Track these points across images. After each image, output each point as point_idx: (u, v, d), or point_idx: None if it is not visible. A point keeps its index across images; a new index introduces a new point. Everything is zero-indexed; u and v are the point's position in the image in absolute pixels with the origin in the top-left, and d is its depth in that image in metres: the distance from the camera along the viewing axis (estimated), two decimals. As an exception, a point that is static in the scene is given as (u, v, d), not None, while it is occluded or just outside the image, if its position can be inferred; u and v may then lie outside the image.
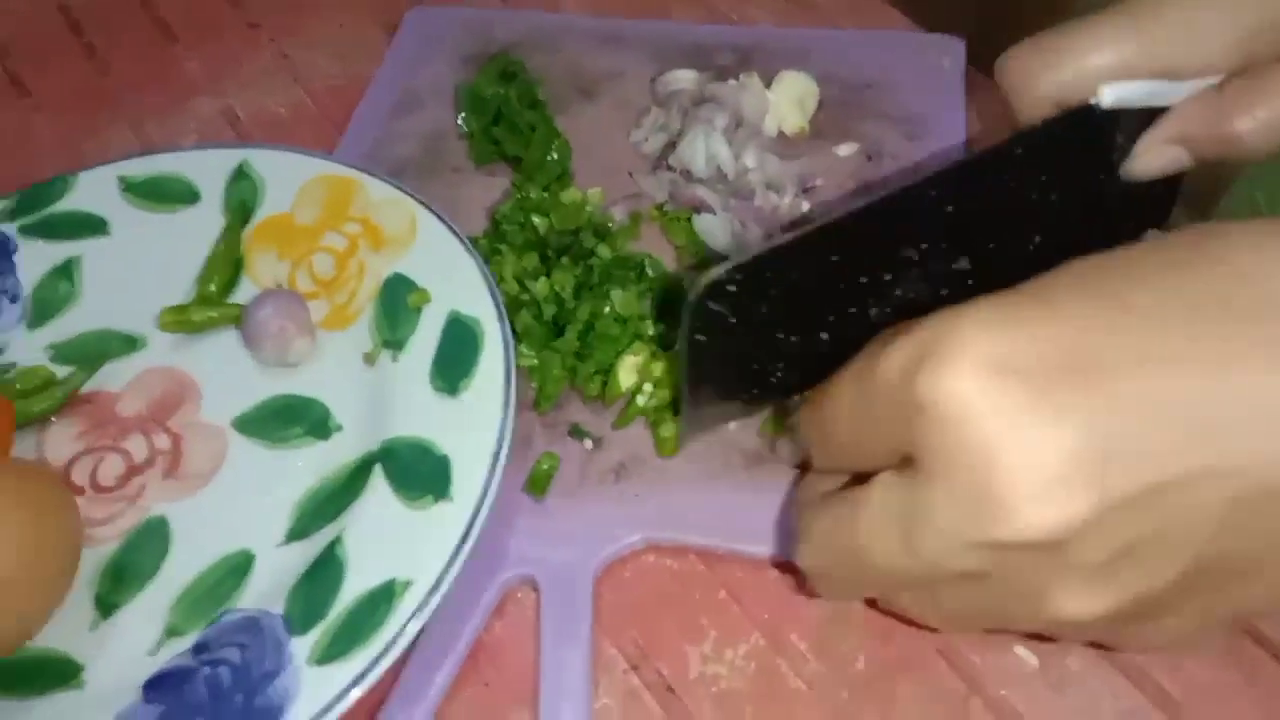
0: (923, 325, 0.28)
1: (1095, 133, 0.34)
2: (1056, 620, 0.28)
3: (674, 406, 0.41)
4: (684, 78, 0.51)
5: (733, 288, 0.32)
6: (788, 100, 0.49)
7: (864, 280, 0.34)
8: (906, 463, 0.28)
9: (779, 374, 0.37)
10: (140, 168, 0.48)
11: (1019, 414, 0.25)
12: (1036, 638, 0.35)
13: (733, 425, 0.41)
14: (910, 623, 0.35)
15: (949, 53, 0.53)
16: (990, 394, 0.25)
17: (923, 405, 0.26)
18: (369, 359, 0.42)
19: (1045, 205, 0.35)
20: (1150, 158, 0.34)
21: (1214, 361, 0.25)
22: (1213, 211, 0.55)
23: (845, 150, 0.49)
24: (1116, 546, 0.26)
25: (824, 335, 0.35)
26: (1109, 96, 0.33)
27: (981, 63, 0.54)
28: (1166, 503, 0.25)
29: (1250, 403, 0.25)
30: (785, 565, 0.38)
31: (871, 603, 0.36)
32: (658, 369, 0.41)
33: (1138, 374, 0.25)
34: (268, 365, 0.43)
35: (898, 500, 0.28)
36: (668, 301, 0.43)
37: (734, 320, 0.33)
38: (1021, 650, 0.36)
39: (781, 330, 0.35)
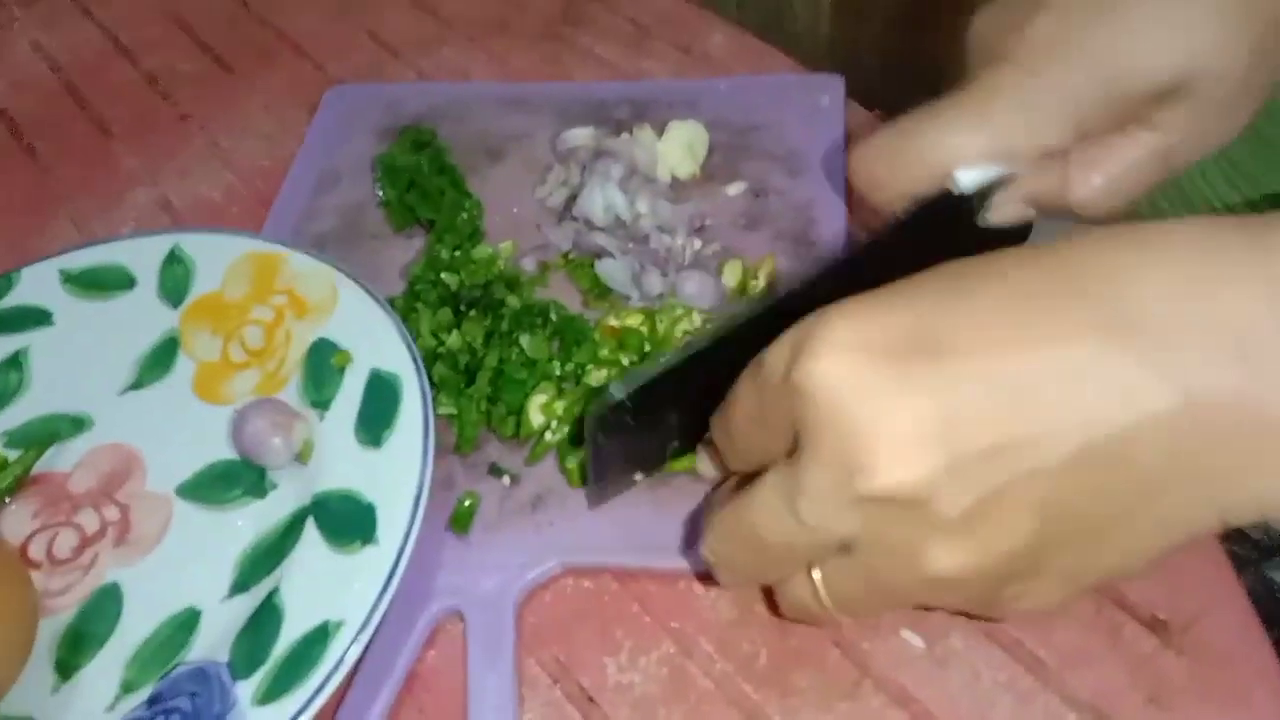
0: (800, 324, 0.32)
1: (956, 205, 0.37)
2: (932, 579, 0.30)
3: (573, 439, 0.44)
4: (581, 135, 0.55)
5: (630, 404, 0.37)
6: (678, 147, 0.53)
7: None
8: (793, 450, 0.32)
9: (674, 446, 0.41)
10: (78, 260, 0.52)
11: (874, 388, 0.29)
12: (925, 610, 0.39)
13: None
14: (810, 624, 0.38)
15: (828, 90, 0.57)
16: (849, 373, 0.29)
17: (799, 389, 0.30)
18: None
19: None
20: (1003, 211, 0.38)
21: (1036, 342, 0.28)
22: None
23: (734, 190, 0.53)
24: (971, 501, 0.29)
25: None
26: (964, 182, 0.37)
27: (860, 97, 0.58)
28: (1006, 462, 0.28)
29: (1063, 375, 0.28)
30: (690, 576, 0.41)
31: (774, 607, 0.39)
32: (560, 407, 0.45)
33: (972, 353, 0.29)
34: (281, 467, 0.44)
35: (784, 478, 0.32)
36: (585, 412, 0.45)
37: (633, 424, 0.38)
38: (907, 634, 0.39)
39: (676, 418, 0.40)
